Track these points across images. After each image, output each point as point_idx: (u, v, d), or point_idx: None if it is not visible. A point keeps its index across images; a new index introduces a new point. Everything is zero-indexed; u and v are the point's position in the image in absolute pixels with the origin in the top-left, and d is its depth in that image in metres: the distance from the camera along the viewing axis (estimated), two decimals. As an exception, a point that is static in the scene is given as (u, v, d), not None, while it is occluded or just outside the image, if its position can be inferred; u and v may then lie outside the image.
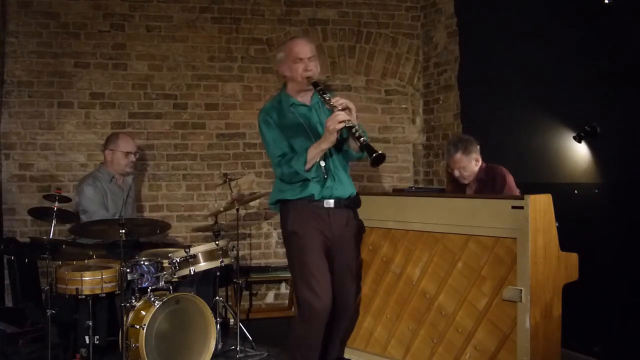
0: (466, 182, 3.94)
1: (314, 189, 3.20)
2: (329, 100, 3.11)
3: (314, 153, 3.13)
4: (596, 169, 3.86)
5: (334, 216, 3.26)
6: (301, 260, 3.20)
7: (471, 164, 3.88)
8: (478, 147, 3.91)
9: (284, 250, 5.41)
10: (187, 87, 5.25)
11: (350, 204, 3.37)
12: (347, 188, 3.33)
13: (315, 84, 3.20)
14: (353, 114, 3.10)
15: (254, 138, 5.36)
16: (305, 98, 3.34)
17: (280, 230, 5.28)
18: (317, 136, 3.22)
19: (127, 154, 4.27)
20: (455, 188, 4.05)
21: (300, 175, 3.15)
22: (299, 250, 3.22)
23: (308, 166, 3.14)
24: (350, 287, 3.41)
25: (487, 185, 3.83)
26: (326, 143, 3.11)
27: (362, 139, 3.02)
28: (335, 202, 3.26)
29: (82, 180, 4.27)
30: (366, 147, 3.00)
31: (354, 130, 3.03)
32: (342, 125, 3.03)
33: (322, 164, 3.21)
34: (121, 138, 4.32)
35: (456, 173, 3.93)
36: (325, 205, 3.24)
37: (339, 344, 3.58)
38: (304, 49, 3.23)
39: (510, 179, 3.78)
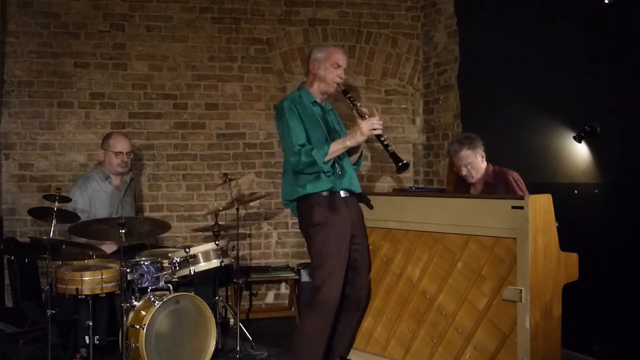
0: (473, 180, 3.83)
1: (332, 181, 3.35)
2: (360, 107, 3.37)
3: (337, 147, 3.30)
4: (596, 169, 3.86)
5: (350, 204, 3.45)
6: (325, 250, 3.30)
7: (477, 159, 3.80)
8: (482, 143, 3.83)
9: (284, 250, 5.41)
10: (187, 87, 5.25)
11: (359, 196, 3.57)
12: (358, 185, 3.54)
13: (345, 92, 3.45)
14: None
15: (254, 138, 5.37)
16: (323, 102, 3.56)
17: (280, 230, 5.39)
18: (331, 135, 3.42)
19: (117, 154, 4.22)
20: (458, 190, 4.01)
21: (317, 166, 3.26)
22: (324, 240, 3.31)
23: (327, 158, 3.27)
24: (366, 270, 3.54)
25: (496, 190, 3.71)
26: (352, 141, 3.32)
27: (389, 147, 3.31)
28: (349, 192, 3.44)
29: (74, 182, 4.29)
30: (392, 156, 3.30)
31: (382, 138, 3.31)
32: (375, 131, 3.27)
33: (338, 162, 3.39)
34: (113, 138, 4.28)
35: (463, 171, 3.83)
36: (342, 196, 3.41)
37: (348, 342, 3.61)
38: (344, 58, 3.48)
39: (522, 185, 3.70)
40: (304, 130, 3.34)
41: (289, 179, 3.44)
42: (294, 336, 3.37)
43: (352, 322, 3.57)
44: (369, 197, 3.66)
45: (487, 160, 3.87)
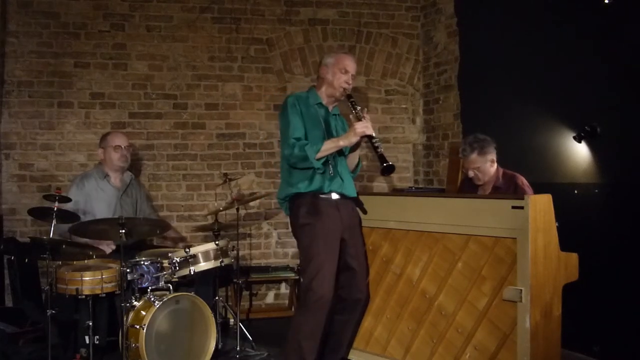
0: (480, 183, 3.82)
1: (322, 182, 3.40)
2: (360, 110, 3.42)
3: (330, 146, 3.35)
4: (596, 169, 3.86)
5: (342, 206, 3.47)
6: (312, 249, 3.32)
7: (486, 165, 3.77)
8: (494, 147, 3.79)
9: (284, 250, 5.42)
10: (187, 87, 5.25)
11: (354, 200, 3.59)
12: (352, 190, 3.56)
13: (349, 96, 3.51)
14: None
15: (254, 138, 5.37)
16: (329, 106, 3.60)
17: (280, 230, 5.39)
18: (331, 138, 3.44)
19: (116, 147, 4.25)
20: (464, 190, 3.99)
21: (309, 162, 3.30)
22: (310, 240, 3.34)
23: (319, 156, 3.31)
24: (363, 273, 3.55)
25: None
26: (345, 141, 3.38)
27: (379, 149, 3.34)
28: (341, 195, 3.47)
29: (72, 181, 4.32)
30: (380, 157, 3.33)
31: (374, 139, 3.36)
32: (369, 132, 3.33)
33: (331, 163, 3.42)
34: (110, 134, 4.36)
35: (470, 173, 3.82)
36: (333, 198, 3.44)
37: (347, 344, 3.61)
38: (353, 65, 3.54)
39: (531, 190, 3.66)
40: (303, 127, 3.41)
41: (284, 177, 3.51)
42: (287, 336, 3.37)
43: (349, 325, 3.57)
44: (368, 197, 3.66)
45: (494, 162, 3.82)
